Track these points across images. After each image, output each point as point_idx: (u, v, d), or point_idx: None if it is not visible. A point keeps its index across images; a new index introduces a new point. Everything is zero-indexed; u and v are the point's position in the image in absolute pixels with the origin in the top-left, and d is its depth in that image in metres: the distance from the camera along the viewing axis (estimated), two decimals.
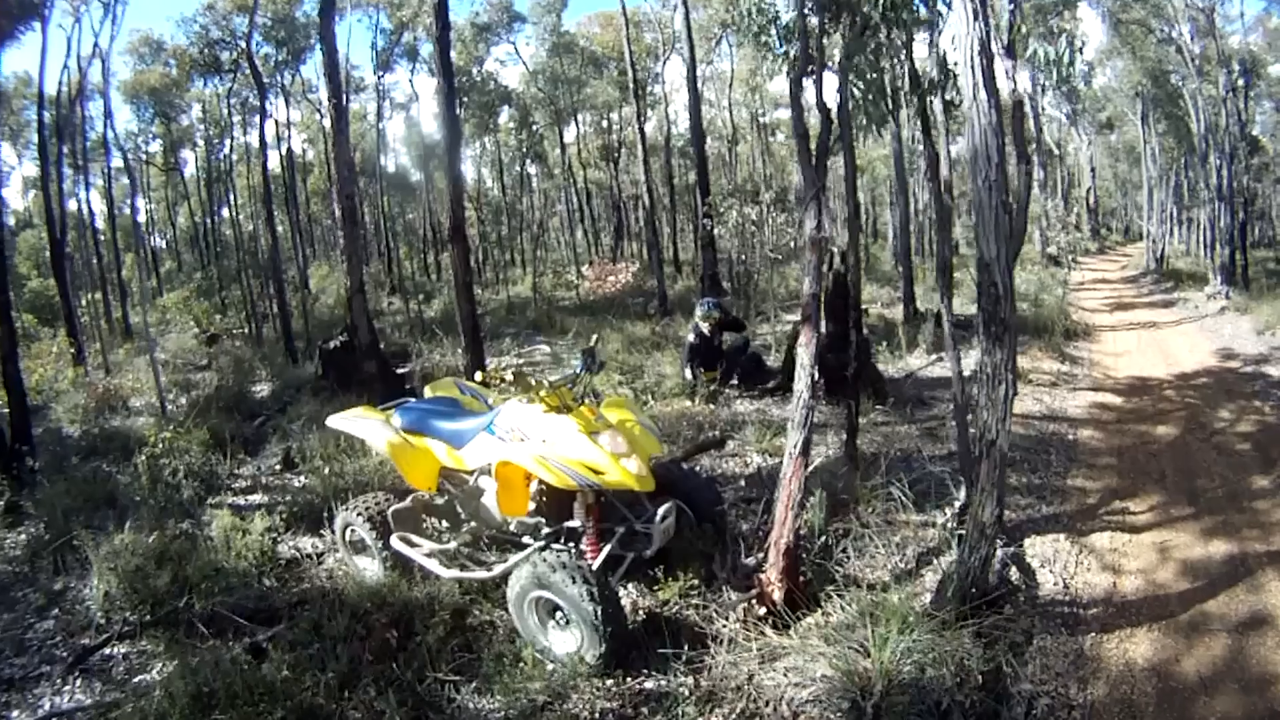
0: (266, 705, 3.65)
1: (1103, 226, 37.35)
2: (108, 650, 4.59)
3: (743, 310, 14.23)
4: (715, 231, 15.99)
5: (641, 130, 19.39)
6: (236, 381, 11.35)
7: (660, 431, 4.86)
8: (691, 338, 9.04)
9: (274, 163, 26.76)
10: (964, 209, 24.54)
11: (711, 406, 8.42)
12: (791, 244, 17.08)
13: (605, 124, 30.95)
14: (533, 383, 4.36)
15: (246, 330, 16.66)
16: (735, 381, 9.08)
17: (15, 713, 4.12)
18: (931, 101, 5.72)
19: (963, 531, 4.82)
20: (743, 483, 6.37)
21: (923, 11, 5.57)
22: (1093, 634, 4.12)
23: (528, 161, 29.52)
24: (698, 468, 6.66)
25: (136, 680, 4.31)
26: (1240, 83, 18.30)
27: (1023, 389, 8.50)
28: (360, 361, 9.63)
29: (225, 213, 25.52)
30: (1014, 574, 4.61)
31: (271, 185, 23.11)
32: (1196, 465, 6.26)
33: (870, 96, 5.44)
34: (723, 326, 9.16)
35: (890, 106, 5.63)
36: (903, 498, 5.26)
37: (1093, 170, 31.56)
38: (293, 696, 3.72)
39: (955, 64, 5.42)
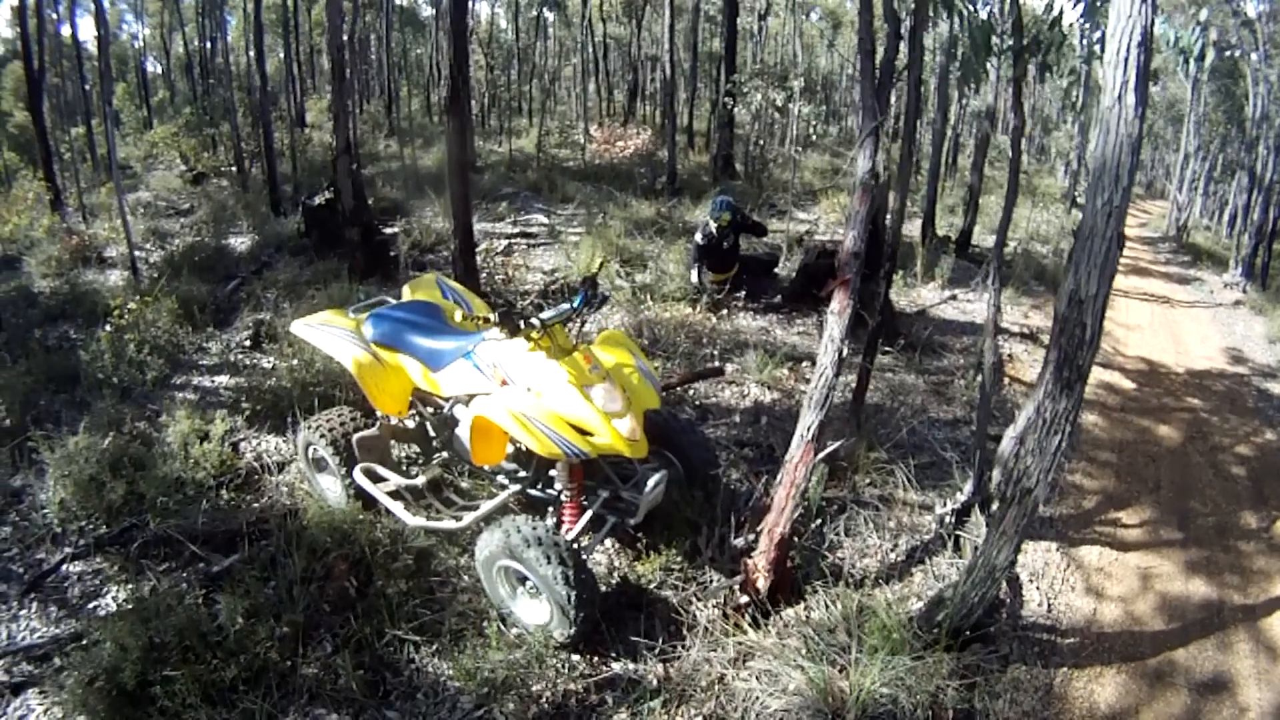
0: (220, 661, 3.47)
1: None
2: (63, 569, 4.39)
3: (755, 200, 13.62)
4: (735, 111, 15.17)
5: None
6: (215, 234, 10.80)
7: (657, 371, 4.45)
8: (699, 238, 8.39)
9: None
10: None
11: (714, 319, 7.99)
12: (813, 136, 16.37)
13: None
14: (521, 325, 3.83)
15: (235, 169, 15.86)
16: (742, 293, 8.57)
17: None
18: (1030, 61, 4.97)
19: (962, 534, 4.62)
20: (738, 418, 6.07)
21: None
22: (1065, 668, 3.98)
23: (545, 7, 27.76)
24: (692, 391, 6.37)
25: (91, 606, 4.15)
26: None
27: (1035, 351, 8.17)
28: (344, 226, 9.11)
29: (224, 41, 23.93)
30: (1003, 590, 4.36)
31: (272, 15, 21.66)
32: (1192, 483, 6.04)
33: (974, 42, 4.69)
34: (735, 228, 8.44)
35: (986, 57, 4.90)
36: (905, 479, 5.02)
37: None
38: (247, 650, 3.55)
39: (1074, 25, 4.74)
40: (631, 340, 4.49)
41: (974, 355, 7.42)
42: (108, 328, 6.71)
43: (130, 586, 4.17)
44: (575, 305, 4.14)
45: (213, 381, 6.52)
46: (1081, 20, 5.21)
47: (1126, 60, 2.98)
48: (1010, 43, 4.94)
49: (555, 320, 3.93)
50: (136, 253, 9.34)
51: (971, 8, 4.92)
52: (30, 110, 14.41)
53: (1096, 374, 8.15)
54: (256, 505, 4.87)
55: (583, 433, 3.65)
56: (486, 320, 3.87)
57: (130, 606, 3.86)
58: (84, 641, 3.72)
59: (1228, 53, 19.06)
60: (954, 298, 9.72)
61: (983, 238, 13.50)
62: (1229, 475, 6.18)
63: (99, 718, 3.30)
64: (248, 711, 3.34)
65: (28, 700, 3.57)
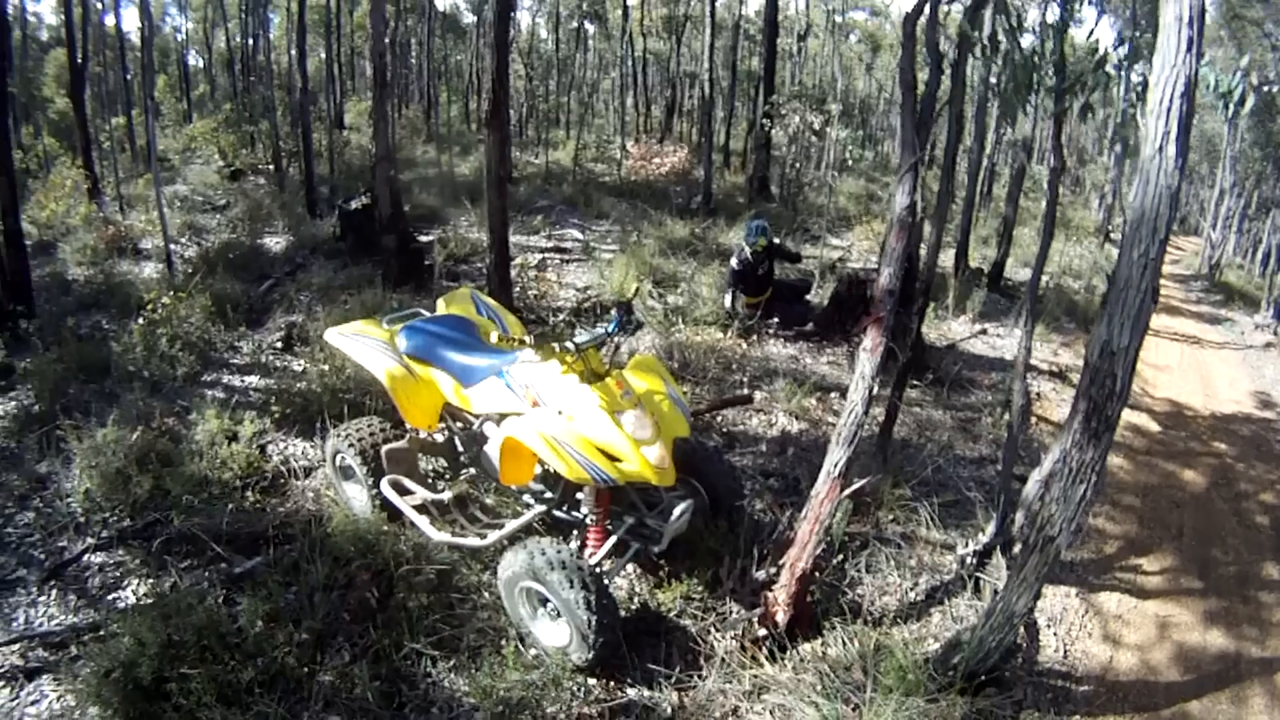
0: (237, 663, 3.50)
1: None
2: (85, 559, 4.44)
3: (789, 225, 13.61)
4: (772, 133, 15.16)
5: (713, 9, 17.80)
6: (250, 233, 10.92)
7: (687, 396, 4.44)
8: (735, 263, 8.39)
9: None
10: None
11: (744, 345, 7.98)
12: (849, 160, 16.35)
13: None
14: (556, 349, 3.86)
15: (273, 167, 16.03)
16: (775, 319, 8.55)
17: None
18: (1072, 101, 4.89)
19: (982, 576, 4.58)
20: (764, 447, 6.05)
21: None
22: (1078, 716, 3.93)
23: (586, 20, 27.90)
24: (720, 418, 6.36)
25: (111, 597, 4.19)
26: None
27: (1064, 390, 8.10)
28: (380, 233, 9.17)
29: (265, 38, 24.17)
30: (1020, 634, 4.32)
31: (315, 16, 21.87)
32: (1215, 530, 5.95)
33: (1014, 82, 4.63)
34: (770, 254, 8.48)
35: (1027, 95, 4.81)
36: (929, 517, 4.99)
37: None
38: (265, 653, 3.57)
39: (1117, 66, 4.66)
40: (663, 367, 4.50)
41: (1002, 393, 7.37)
42: (141, 321, 6.80)
43: (151, 581, 4.22)
44: (610, 330, 4.18)
45: (243, 381, 6.59)
46: (1125, 61, 5.13)
47: (1169, 111, 2.92)
48: (1052, 81, 4.89)
49: (590, 344, 3.95)
50: (172, 246, 9.47)
51: (1016, 43, 4.88)
52: (71, 98, 14.57)
53: (1123, 416, 8.04)
54: (282, 509, 4.89)
55: (612, 458, 3.65)
56: (522, 341, 3.90)
57: (150, 601, 3.92)
58: (101, 633, 3.75)
59: (1265, 88, 18.88)
60: (984, 332, 9.66)
61: (1015, 270, 13.41)
62: (1252, 524, 6.08)
63: (112, 710, 3.32)
64: (262, 714, 3.34)
65: (41, 686, 3.62)
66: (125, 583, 4.28)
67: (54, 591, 4.20)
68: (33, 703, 3.55)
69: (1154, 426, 7.95)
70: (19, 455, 5.40)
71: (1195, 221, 38.20)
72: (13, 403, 6.16)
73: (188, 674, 3.35)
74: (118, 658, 3.42)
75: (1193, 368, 10.59)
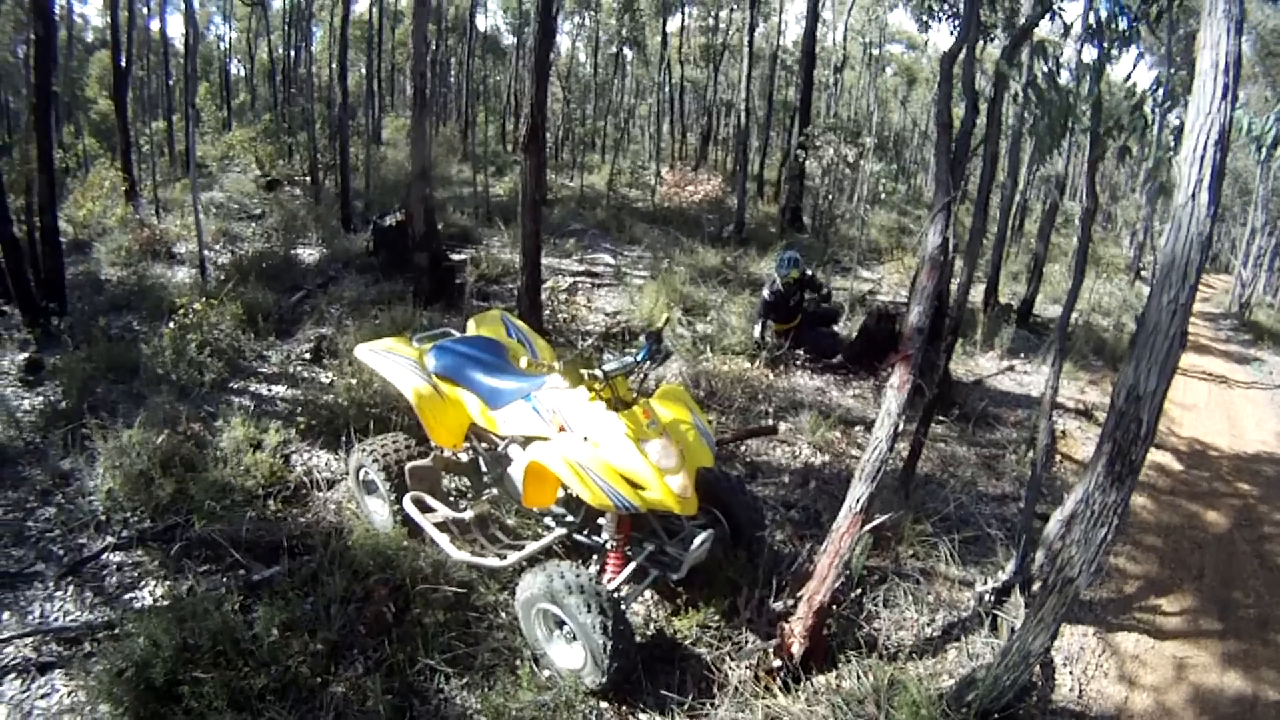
0: (251, 669, 3.51)
1: None
2: (104, 557, 4.48)
3: (821, 256, 13.60)
4: (807, 164, 15.17)
5: (750, 40, 17.88)
6: (284, 243, 11.03)
7: (712, 425, 4.42)
8: (766, 294, 8.46)
9: (364, 5, 25.52)
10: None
11: (771, 375, 7.97)
12: (882, 194, 16.32)
13: (712, 22, 29.38)
14: (584, 375, 3.90)
15: (309, 179, 16.20)
16: (803, 351, 8.56)
17: (4, 615, 4.05)
18: (1109, 146, 4.85)
19: (1000, 614, 4.53)
20: (787, 479, 6.02)
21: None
22: None
23: (625, 46, 28.09)
24: (744, 448, 6.34)
25: (128, 597, 4.22)
26: None
27: (1089, 429, 8.02)
28: (413, 251, 9.25)
29: (308, 51, 24.46)
30: (1035, 672, 4.25)
31: (356, 31, 22.18)
32: (1236, 572, 5.85)
33: (1049, 121, 4.60)
34: (801, 285, 8.55)
35: (1062, 136, 4.77)
36: (948, 554, 4.94)
37: None
38: (279, 662, 3.58)
39: (1154, 109, 4.62)
40: (689, 396, 4.50)
41: (1027, 430, 7.30)
42: (171, 325, 6.90)
43: (169, 584, 4.25)
44: (639, 359, 4.20)
45: (270, 390, 6.65)
46: (1162, 104, 5.09)
47: (1203, 159, 2.89)
48: (1088, 121, 4.85)
49: (618, 372, 3.97)
50: (206, 252, 9.60)
51: (1054, 84, 4.85)
52: (114, 100, 14.84)
53: (1148, 455, 7.94)
54: (303, 520, 4.92)
55: (635, 486, 3.65)
56: (550, 367, 3.94)
57: (167, 604, 3.95)
58: (116, 631, 3.78)
59: None
60: (1012, 368, 9.60)
61: (1045, 307, 13.32)
62: (1274, 566, 5.97)
63: (123, 709, 3.34)
64: None
65: (53, 680, 3.66)
66: (143, 584, 4.32)
67: (71, 588, 4.25)
68: (43, 696, 3.58)
69: (1178, 466, 7.84)
70: (44, 450, 5.47)
71: (1226, 259, 37.72)
72: (40, 398, 6.25)
73: (200, 678, 3.38)
74: (131, 657, 3.44)
75: (1219, 407, 10.44)
